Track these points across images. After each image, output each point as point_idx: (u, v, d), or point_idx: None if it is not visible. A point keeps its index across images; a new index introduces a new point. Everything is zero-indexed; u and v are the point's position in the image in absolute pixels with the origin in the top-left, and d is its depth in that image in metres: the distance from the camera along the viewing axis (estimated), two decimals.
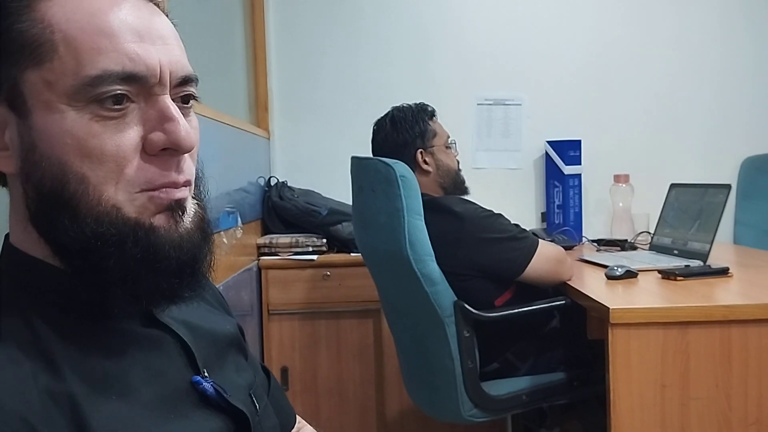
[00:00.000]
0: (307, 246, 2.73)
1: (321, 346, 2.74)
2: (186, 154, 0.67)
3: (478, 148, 3.14)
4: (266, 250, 2.72)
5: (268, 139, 3.09)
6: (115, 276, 0.63)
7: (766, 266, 2.27)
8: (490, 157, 3.18)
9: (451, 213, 1.98)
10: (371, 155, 2.12)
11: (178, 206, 0.66)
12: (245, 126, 2.62)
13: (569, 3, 3.18)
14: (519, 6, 3.17)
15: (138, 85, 0.63)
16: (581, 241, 2.93)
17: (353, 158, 2.13)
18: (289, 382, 2.72)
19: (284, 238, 2.74)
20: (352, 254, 2.66)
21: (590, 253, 2.57)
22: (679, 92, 3.20)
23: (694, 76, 3.20)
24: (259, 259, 2.70)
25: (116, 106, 0.62)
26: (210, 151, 1.93)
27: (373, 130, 2.17)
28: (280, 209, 2.84)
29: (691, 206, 2.32)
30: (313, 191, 2.97)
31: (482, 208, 2.03)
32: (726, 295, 1.83)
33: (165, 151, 0.64)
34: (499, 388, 2.01)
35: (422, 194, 1.93)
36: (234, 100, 2.68)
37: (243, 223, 2.45)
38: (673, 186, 2.49)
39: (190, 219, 0.67)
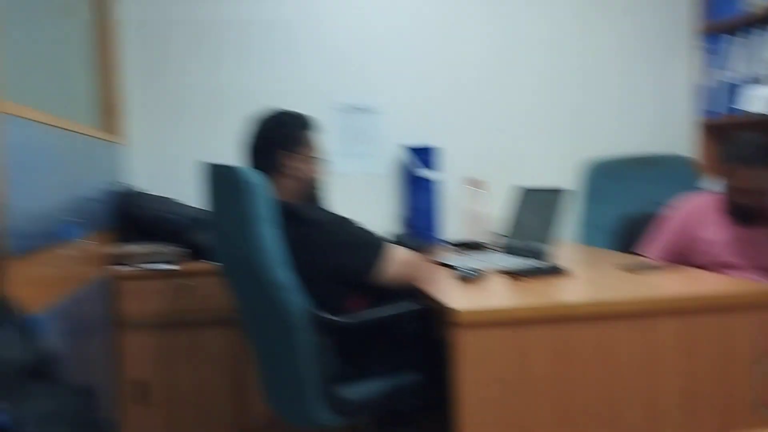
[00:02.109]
0: (165, 255, 2.66)
1: (180, 357, 2.68)
2: None
3: (337, 154, 3.15)
4: (120, 260, 2.62)
5: (124, 145, 2.98)
6: None
7: (607, 266, 2.39)
8: (350, 162, 3.20)
9: (303, 219, 1.99)
10: (230, 159, 2.09)
11: None
12: (91, 131, 2.50)
13: (425, 14, 3.26)
14: (378, 14, 3.22)
15: None
16: (437, 243, 3.00)
17: (205, 165, 2.09)
18: (147, 396, 2.63)
19: (140, 248, 2.65)
20: (211, 263, 2.60)
21: (444, 255, 2.63)
22: (530, 100, 3.35)
23: (544, 86, 3.36)
24: (112, 270, 2.59)
25: None
26: (42, 159, 1.83)
27: (253, 122, 2.16)
28: (136, 218, 2.75)
29: (535, 209, 2.43)
30: (171, 199, 2.88)
31: (333, 213, 2.05)
32: (566, 293, 1.93)
33: None
34: (356, 391, 2.02)
35: (279, 201, 1.92)
36: (76, 104, 2.51)
37: (92, 234, 2.34)
38: (520, 189, 2.60)
39: None
